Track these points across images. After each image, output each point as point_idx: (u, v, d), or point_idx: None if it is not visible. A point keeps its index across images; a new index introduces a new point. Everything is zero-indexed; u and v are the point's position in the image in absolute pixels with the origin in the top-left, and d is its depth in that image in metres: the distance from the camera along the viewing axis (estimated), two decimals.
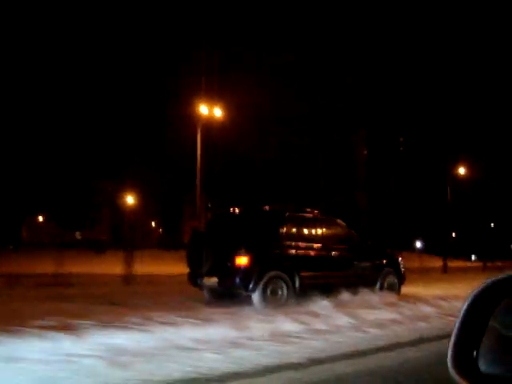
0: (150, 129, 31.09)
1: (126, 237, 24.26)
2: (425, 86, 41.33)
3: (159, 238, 48.03)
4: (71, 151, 33.58)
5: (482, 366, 1.14)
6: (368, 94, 41.21)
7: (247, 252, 8.69)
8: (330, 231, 9.83)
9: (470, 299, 1.18)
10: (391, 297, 9.56)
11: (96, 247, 31.96)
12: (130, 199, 33.30)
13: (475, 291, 1.18)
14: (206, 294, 9.67)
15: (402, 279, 10.44)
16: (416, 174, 45.53)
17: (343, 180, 47.99)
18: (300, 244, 9.32)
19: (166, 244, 37.78)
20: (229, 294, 9.16)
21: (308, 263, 9.22)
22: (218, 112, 22.50)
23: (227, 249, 8.86)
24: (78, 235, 45.26)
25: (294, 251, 9.17)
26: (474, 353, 1.14)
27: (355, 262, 9.80)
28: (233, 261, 8.72)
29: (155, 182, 34.93)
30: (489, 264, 31.07)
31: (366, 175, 50.59)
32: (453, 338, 1.15)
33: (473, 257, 46.75)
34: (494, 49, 43.42)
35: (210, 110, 21.89)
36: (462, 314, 1.17)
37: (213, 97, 22.46)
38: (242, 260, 8.67)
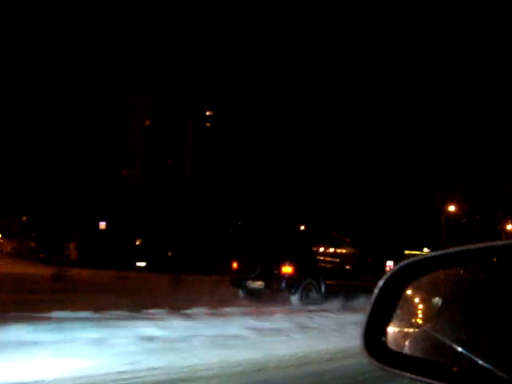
0: None
1: None
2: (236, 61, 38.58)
3: None
4: None
5: (392, 344, 1.22)
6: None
7: (291, 263, 11.24)
8: (344, 250, 12.66)
9: (381, 283, 1.25)
10: None
11: None
12: None
13: (386, 275, 1.26)
14: (242, 293, 12.05)
15: None
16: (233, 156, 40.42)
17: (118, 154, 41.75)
18: (325, 258, 12.04)
19: None
20: (268, 294, 11.65)
21: (330, 273, 11.92)
22: None
23: (273, 259, 11.34)
24: None
25: (321, 264, 11.85)
26: (384, 331, 1.23)
27: (361, 275, 12.62)
28: (280, 269, 11.22)
29: None
30: None
31: (142, 150, 43.08)
32: (364, 319, 1.24)
33: None
34: None
35: None
36: (374, 296, 1.24)
37: None
38: (288, 269, 11.21)
